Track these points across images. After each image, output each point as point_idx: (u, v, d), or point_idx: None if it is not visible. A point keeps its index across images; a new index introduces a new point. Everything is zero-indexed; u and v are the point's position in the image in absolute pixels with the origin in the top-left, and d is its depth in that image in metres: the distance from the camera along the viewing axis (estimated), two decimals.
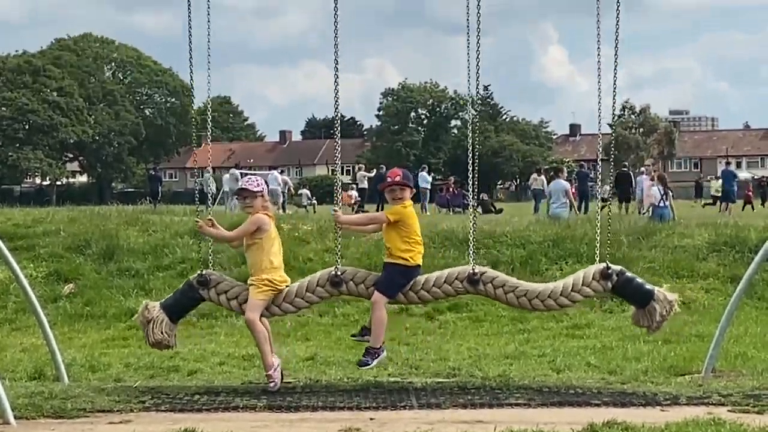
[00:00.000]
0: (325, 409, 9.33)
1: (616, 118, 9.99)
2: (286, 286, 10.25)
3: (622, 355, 12.37)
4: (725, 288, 16.85)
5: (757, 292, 16.66)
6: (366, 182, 44.55)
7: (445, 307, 15.96)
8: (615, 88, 10.49)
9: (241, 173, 46.28)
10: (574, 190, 52.68)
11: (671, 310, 10.18)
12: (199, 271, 10.44)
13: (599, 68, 10.42)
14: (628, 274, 10.34)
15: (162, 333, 10.23)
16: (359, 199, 50.41)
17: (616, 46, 10.40)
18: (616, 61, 10.42)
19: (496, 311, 15.93)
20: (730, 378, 10.72)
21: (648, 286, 10.31)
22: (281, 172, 51.85)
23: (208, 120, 10.74)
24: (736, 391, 9.85)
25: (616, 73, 10.40)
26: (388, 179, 10.45)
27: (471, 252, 10.58)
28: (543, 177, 47.16)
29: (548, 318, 15.35)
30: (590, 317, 15.46)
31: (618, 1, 10.35)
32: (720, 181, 47.66)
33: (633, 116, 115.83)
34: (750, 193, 52.51)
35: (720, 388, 10.04)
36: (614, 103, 10.60)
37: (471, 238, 10.75)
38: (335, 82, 10.60)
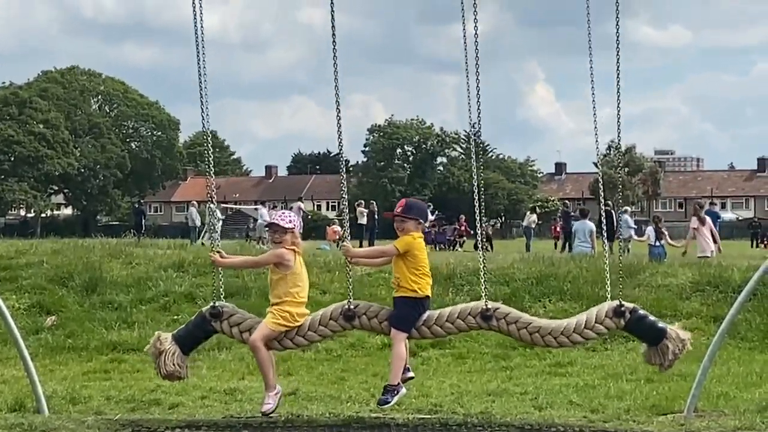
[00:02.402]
0: None
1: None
2: None
3: (604, 394, 12.36)
4: (708, 328, 16.85)
5: (740, 332, 16.67)
6: (365, 218, 44.64)
7: (428, 344, 15.90)
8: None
9: (227, 208, 46.44)
10: (559, 229, 53.10)
11: (684, 348, 10.24)
12: (211, 303, 10.39)
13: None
14: (641, 311, 10.39)
15: (174, 365, 10.19)
16: (346, 235, 50.38)
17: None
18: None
19: (479, 348, 15.93)
20: (712, 418, 10.72)
21: (661, 324, 10.37)
22: (273, 207, 52.14)
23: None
24: (718, 430, 9.86)
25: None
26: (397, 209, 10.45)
27: (483, 288, 10.58)
28: (535, 216, 47.43)
29: (531, 355, 15.35)
30: (573, 355, 15.45)
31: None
32: None
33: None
34: None
35: (702, 427, 10.05)
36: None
37: (482, 274, 10.75)
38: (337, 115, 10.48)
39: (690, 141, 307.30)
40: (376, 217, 46.07)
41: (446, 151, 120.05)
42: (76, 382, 13.51)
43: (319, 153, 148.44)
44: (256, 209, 48.32)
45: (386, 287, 17.78)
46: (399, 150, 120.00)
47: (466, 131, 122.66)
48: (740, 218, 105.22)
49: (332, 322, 10.26)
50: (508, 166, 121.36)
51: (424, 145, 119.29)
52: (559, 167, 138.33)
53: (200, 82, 10.46)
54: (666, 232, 29.84)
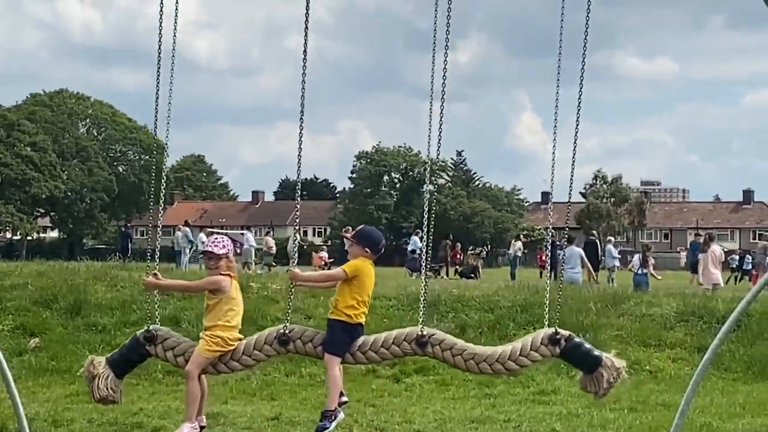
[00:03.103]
0: None
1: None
2: None
3: (588, 423, 12.36)
4: (692, 358, 16.90)
5: (724, 363, 16.71)
6: None
7: (411, 370, 15.94)
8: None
9: (213, 232, 46.42)
10: (544, 257, 53.16)
11: (618, 376, 10.19)
12: (146, 327, 10.40)
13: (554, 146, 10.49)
14: (576, 339, 10.33)
15: (107, 389, 10.14)
16: (331, 260, 50.53)
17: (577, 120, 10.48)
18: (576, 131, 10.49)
19: (463, 375, 15.87)
20: None
21: (596, 352, 10.31)
22: (267, 234, 52.17)
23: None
24: None
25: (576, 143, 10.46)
26: None
27: (421, 314, 10.55)
28: (520, 243, 47.38)
29: (515, 383, 15.35)
30: (557, 383, 15.46)
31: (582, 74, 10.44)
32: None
33: (605, 186, 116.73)
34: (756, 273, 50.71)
35: None
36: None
37: (422, 300, 10.72)
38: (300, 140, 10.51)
39: (676, 172, 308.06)
40: None
41: (433, 178, 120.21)
42: (59, 405, 13.48)
43: (306, 179, 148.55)
44: (242, 234, 48.27)
45: (371, 313, 17.78)
46: (386, 177, 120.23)
47: (453, 159, 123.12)
48: (725, 250, 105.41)
49: (267, 347, 10.21)
50: (494, 195, 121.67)
51: (411, 173, 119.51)
52: (546, 196, 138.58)
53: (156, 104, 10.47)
54: (652, 262, 30.04)
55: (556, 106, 10.54)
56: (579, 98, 10.31)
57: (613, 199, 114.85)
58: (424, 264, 11.54)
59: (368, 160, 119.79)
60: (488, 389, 15.23)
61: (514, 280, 35.20)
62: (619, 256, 41.52)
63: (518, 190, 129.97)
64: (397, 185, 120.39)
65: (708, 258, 28.16)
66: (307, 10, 10.15)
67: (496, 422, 12.42)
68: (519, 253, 47.42)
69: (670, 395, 14.08)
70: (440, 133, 10.51)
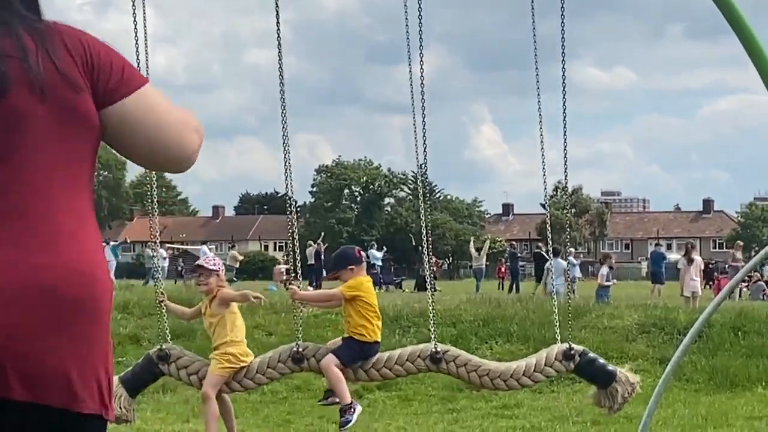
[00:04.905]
0: None
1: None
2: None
3: None
4: (654, 369, 16.89)
5: (686, 374, 16.73)
6: (313, 259, 44.39)
7: (374, 386, 15.84)
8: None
9: (171, 248, 46.15)
10: (505, 269, 53.20)
11: (633, 391, 10.26)
12: (159, 346, 10.34)
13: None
14: (591, 354, 10.40)
15: (120, 408, 10.10)
16: (293, 275, 50.30)
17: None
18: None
19: (425, 390, 15.87)
20: None
21: (610, 368, 10.39)
22: (231, 247, 52.00)
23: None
24: None
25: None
26: None
27: (432, 330, 10.54)
28: (483, 256, 47.32)
29: (477, 398, 15.32)
30: (519, 397, 15.43)
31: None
32: None
33: (565, 196, 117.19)
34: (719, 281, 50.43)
35: None
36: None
37: (431, 316, 10.72)
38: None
39: (636, 182, 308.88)
40: (322, 257, 45.77)
41: (394, 191, 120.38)
42: None
43: (266, 193, 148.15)
44: (198, 249, 47.99)
45: (333, 329, 17.72)
46: (347, 190, 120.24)
47: (413, 172, 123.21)
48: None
49: (280, 365, 10.22)
50: (455, 207, 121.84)
51: (371, 186, 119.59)
52: (507, 208, 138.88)
53: None
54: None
55: (540, 122, 10.53)
56: (564, 110, 10.31)
57: (574, 210, 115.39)
58: (428, 279, 11.50)
59: (328, 174, 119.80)
60: (451, 404, 15.19)
61: (477, 292, 35.14)
62: (577, 263, 41.55)
63: (479, 202, 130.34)
64: (358, 199, 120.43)
65: (690, 267, 28.86)
66: (278, 31, 10.11)
67: None
68: (482, 265, 47.22)
69: (633, 407, 14.02)
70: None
